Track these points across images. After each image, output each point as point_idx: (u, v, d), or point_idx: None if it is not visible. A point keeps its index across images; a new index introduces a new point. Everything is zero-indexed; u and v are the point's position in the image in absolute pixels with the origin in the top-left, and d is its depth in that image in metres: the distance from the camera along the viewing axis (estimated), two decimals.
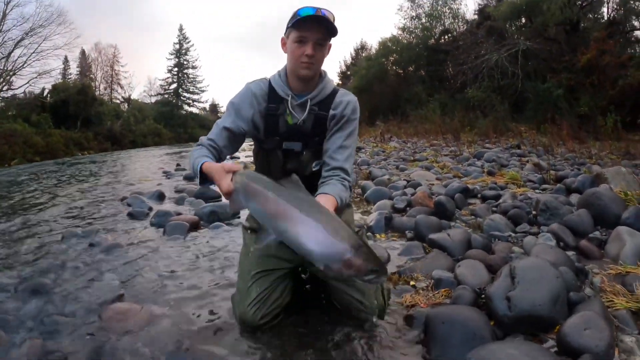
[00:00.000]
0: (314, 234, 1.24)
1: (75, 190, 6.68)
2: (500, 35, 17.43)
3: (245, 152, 10.49)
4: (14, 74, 26.84)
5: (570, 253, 2.32)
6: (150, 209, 4.29)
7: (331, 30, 1.65)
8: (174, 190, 5.59)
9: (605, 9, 16.98)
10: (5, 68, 26.23)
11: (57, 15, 28.55)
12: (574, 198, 3.49)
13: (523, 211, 3.10)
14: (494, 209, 3.46)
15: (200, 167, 1.55)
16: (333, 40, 1.73)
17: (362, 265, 1.21)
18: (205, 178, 1.56)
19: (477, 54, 16.95)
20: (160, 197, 5.04)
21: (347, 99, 1.79)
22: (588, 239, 2.53)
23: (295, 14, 1.62)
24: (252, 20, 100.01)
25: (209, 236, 3.24)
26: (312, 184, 1.68)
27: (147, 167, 10.76)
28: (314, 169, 1.79)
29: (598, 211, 2.82)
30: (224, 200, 4.57)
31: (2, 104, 26.90)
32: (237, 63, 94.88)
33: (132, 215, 4.03)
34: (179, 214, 3.83)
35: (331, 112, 1.75)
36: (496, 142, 10.65)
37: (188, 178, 6.90)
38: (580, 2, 16.11)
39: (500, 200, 3.63)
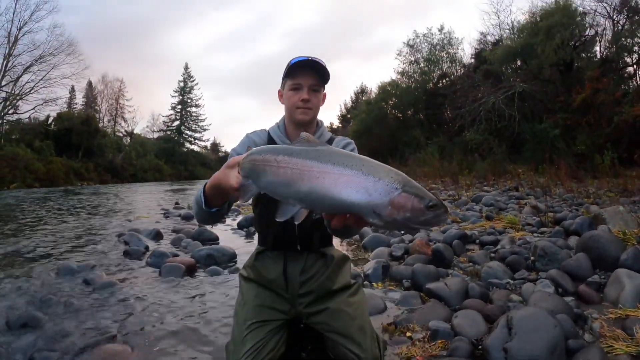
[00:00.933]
0: (346, 181, 1.02)
1: (72, 221, 6.68)
2: (496, 78, 17.90)
3: None
4: (21, 98, 27.45)
5: (569, 299, 2.30)
6: (147, 248, 4.27)
7: (323, 75, 1.70)
8: (171, 230, 5.58)
9: (597, 48, 17.45)
10: (13, 92, 26.76)
11: (68, 45, 29.55)
12: (573, 240, 3.48)
13: (521, 257, 3.08)
14: (492, 255, 3.44)
15: (204, 188, 1.44)
16: (328, 91, 1.79)
17: (416, 201, 0.99)
18: (210, 204, 1.43)
19: (475, 97, 17.36)
20: (157, 235, 5.03)
21: (346, 141, 1.83)
22: (587, 283, 2.51)
23: (289, 64, 1.69)
24: (261, 64, 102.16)
25: (205, 281, 3.19)
26: (313, 232, 1.68)
27: (146, 204, 10.77)
28: (315, 217, 1.79)
29: (596, 254, 2.79)
30: (221, 243, 4.52)
31: (7, 127, 27.27)
32: (240, 102, 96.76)
33: (128, 254, 4.00)
34: (176, 255, 3.81)
35: None
36: (494, 185, 10.68)
37: (186, 217, 6.89)
38: (573, 43, 16.58)
39: (499, 246, 3.62)
